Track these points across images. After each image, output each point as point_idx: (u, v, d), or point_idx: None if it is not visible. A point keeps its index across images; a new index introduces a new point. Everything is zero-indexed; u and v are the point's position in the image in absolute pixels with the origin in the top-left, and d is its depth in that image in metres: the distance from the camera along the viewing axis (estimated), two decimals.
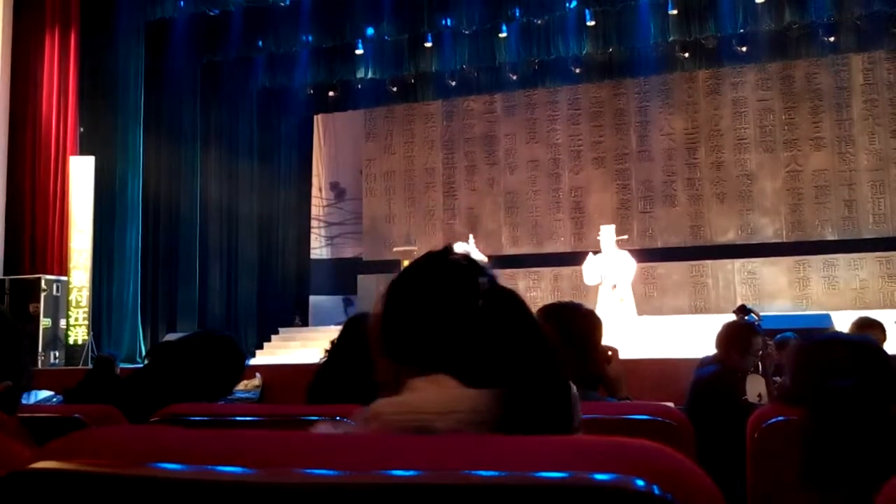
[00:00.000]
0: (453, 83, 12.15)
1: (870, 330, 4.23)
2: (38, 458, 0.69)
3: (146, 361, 2.74)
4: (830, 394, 1.65)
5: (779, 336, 5.11)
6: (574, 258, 10.66)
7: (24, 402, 1.36)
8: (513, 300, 0.99)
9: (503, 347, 0.94)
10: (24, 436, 1.16)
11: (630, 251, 12.04)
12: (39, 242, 9.09)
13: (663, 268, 11.89)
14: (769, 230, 11.71)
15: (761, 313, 5.16)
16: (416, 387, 0.94)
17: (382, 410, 0.93)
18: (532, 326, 0.99)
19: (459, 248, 7.73)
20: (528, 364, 0.95)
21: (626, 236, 9.57)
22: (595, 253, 9.14)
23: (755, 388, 3.52)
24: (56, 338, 8.88)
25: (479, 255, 9.17)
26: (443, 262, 1.02)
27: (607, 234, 9.11)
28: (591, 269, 8.89)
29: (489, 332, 0.94)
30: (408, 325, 0.97)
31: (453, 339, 0.95)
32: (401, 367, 0.96)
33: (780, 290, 11.38)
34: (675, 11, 10.24)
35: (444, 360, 0.94)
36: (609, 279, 8.78)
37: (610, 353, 2.15)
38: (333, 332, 2.06)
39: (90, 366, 8.02)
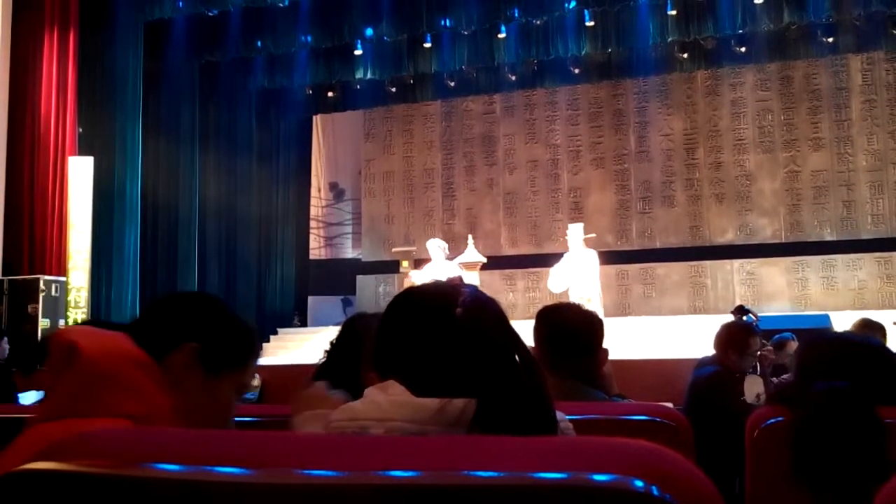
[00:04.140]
0: (452, 83, 12.14)
1: (870, 332, 4.23)
2: (37, 459, 0.69)
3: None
4: (814, 395, 1.64)
5: (776, 336, 5.11)
6: None
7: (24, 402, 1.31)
8: (487, 311, 0.97)
9: (465, 358, 0.93)
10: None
11: (629, 252, 12.06)
12: (38, 243, 9.07)
13: (662, 268, 11.89)
14: (768, 231, 11.71)
15: (760, 314, 5.17)
16: (367, 393, 0.96)
17: (331, 416, 0.96)
18: (504, 337, 0.97)
19: (433, 245, 7.65)
20: (490, 374, 0.92)
21: (593, 234, 9.41)
22: (563, 254, 8.97)
23: (753, 388, 3.53)
24: None
25: (477, 257, 9.16)
26: (431, 285, 1.05)
27: (575, 232, 8.89)
28: (557, 276, 8.59)
29: (455, 343, 0.94)
30: (383, 337, 1.01)
31: (411, 348, 0.97)
32: (378, 377, 0.99)
33: (778, 291, 11.38)
34: (674, 12, 10.24)
35: (399, 367, 0.96)
36: (577, 286, 8.43)
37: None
38: (332, 332, 2.06)
39: None
